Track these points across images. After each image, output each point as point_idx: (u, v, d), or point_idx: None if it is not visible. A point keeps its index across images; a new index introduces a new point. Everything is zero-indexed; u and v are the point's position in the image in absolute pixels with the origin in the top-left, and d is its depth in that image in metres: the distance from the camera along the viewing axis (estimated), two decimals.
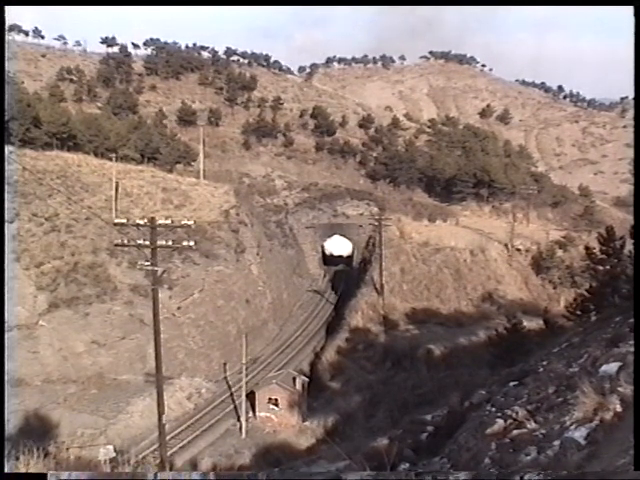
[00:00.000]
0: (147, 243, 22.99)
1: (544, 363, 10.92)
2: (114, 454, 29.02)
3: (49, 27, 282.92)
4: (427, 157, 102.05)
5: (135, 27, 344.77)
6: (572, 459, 4.91)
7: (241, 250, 53.04)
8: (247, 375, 37.13)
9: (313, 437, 32.52)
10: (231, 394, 39.64)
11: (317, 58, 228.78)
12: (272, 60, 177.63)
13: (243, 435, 34.86)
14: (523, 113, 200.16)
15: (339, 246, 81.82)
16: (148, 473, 9.41)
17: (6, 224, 39.00)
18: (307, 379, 39.81)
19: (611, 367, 6.58)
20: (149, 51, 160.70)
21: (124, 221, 25.00)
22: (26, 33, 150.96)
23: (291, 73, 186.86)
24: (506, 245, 63.71)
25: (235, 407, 37.70)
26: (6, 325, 32.39)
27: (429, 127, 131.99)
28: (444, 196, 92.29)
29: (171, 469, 27.05)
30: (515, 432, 6.40)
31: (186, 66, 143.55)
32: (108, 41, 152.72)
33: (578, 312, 22.37)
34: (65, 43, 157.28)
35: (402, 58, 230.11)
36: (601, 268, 22.35)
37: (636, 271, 14.06)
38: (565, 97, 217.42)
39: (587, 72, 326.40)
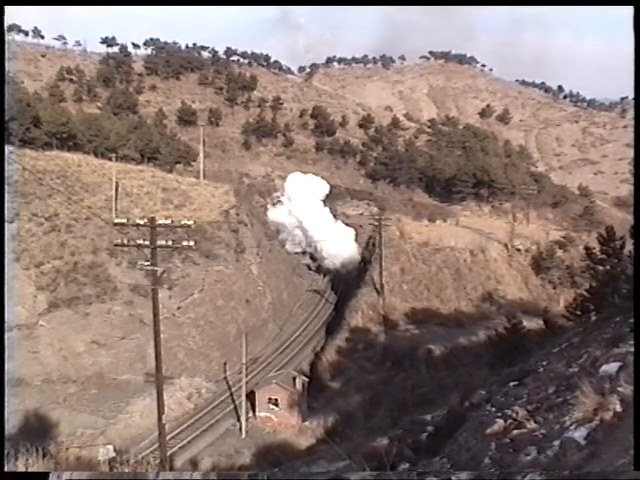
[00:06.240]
0: (147, 243, 22.99)
1: (544, 363, 10.92)
2: (114, 454, 29.02)
3: (49, 27, 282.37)
4: (427, 157, 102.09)
5: (135, 27, 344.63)
6: (572, 459, 4.91)
7: (241, 250, 53.02)
8: (247, 375, 37.15)
9: (313, 437, 32.52)
10: (231, 394, 39.64)
11: (317, 58, 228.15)
12: (272, 60, 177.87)
13: (243, 435, 34.86)
14: (523, 113, 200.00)
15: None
16: (148, 473, 9.42)
17: (6, 224, 38.99)
18: (307, 379, 39.81)
19: (611, 367, 6.58)
20: (149, 51, 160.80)
21: (124, 221, 25.00)
22: (26, 33, 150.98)
23: (291, 73, 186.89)
24: (506, 245, 63.70)
25: (235, 407, 37.71)
26: (6, 325, 32.36)
27: (429, 127, 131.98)
28: (444, 196, 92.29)
29: (171, 469, 27.05)
30: (515, 432, 6.39)
31: (186, 66, 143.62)
32: (108, 41, 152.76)
33: (578, 312, 22.40)
34: (65, 43, 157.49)
35: (402, 58, 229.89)
36: (601, 268, 22.37)
37: (636, 271, 14.06)
38: (565, 97, 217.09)
39: (587, 72, 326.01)
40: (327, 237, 67.92)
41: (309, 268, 74.12)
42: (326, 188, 75.69)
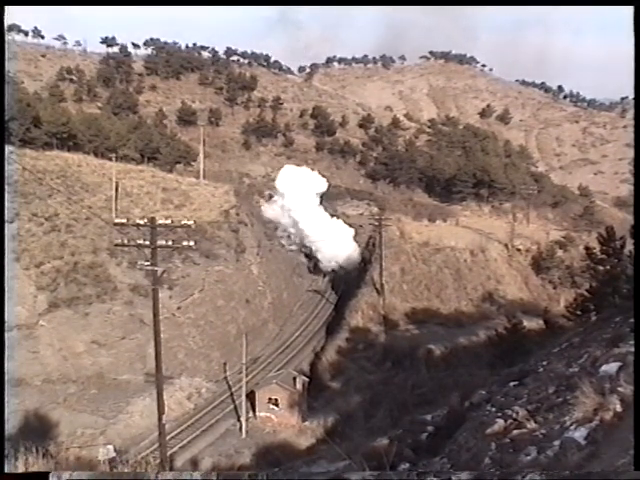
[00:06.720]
0: (147, 243, 22.97)
1: (544, 363, 10.91)
2: (114, 454, 29.02)
3: (49, 27, 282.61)
4: (427, 157, 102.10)
5: (135, 27, 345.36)
6: (572, 459, 4.90)
7: (241, 250, 53.02)
8: (247, 375, 37.14)
9: (313, 437, 32.50)
10: (231, 394, 39.64)
11: (317, 58, 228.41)
12: (272, 60, 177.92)
13: (243, 435, 34.86)
14: (523, 113, 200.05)
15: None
16: (148, 473, 9.41)
17: (6, 224, 38.98)
18: (307, 379, 39.82)
19: (611, 367, 6.57)
20: (149, 51, 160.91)
21: (124, 221, 24.99)
22: (26, 33, 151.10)
23: (291, 73, 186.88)
24: (506, 245, 63.69)
25: (235, 407, 37.71)
26: (6, 325, 32.37)
27: (429, 127, 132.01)
28: (444, 196, 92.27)
29: (171, 469, 27.04)
30: (515, 432, 6.38)
31: (186, 66, 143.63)
32: (108, 41, 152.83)
33: (578, 312, 22.41)
34: (65, 43, 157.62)
35: (402, 58, 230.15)
36: (601, 268, 22.37)
37: (636, 271, 14.06)
38: (565, 97, 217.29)
39: (587, 72, 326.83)
40: (323, 237, 66.26)
41: (309, 270, 73.93)
42: (322, 182, 73.33)
